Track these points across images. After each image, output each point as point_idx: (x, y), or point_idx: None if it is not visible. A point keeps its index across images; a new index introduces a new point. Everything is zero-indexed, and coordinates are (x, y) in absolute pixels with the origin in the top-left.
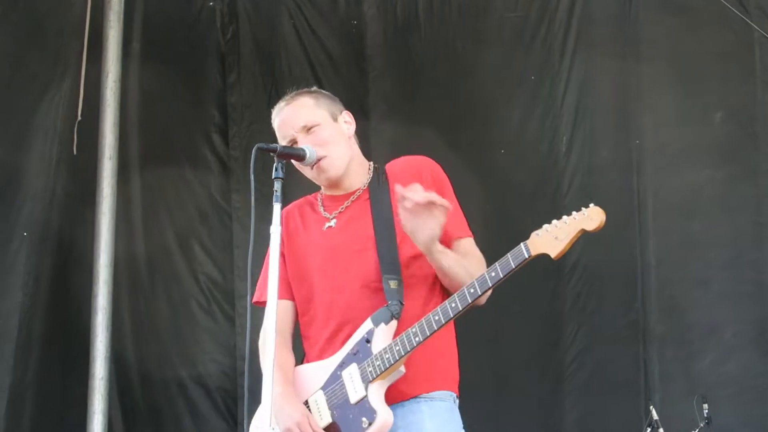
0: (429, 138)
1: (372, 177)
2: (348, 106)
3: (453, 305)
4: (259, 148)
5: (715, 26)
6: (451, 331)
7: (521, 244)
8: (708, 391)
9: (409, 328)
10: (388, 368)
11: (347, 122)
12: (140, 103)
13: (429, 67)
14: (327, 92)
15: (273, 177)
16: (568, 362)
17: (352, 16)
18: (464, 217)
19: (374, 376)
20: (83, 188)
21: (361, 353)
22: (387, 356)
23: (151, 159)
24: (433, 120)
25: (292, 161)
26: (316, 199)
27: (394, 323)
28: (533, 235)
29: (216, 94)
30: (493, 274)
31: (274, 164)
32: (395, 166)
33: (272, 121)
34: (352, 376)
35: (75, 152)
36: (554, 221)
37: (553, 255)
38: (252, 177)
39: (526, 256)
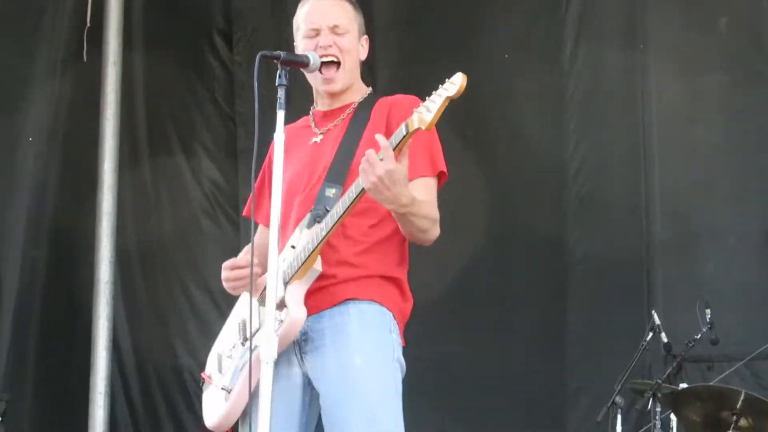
0: None
1: (364, 98)
2: None
3: (351, 194)
4: (262, 56)
5: None
6: (397, 254)
7: (404, 122)
8: (711, 296)
9: (319, 224)
10: (301, 266)
11: (363, 47)
12: (145, 5)
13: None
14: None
15: (276, 84)
16: (573, 266)
17: None
18: (433, 154)
19: (290, 275)
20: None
21: (286, 257)
22: (301, 255)
23: (154, 64)
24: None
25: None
26: (309, 119)
27: (316, 227)
28: (415, 112)
29: None
30: (385, 143)
31: (278, 71)
32: (383, 99)
33: (301, 5)
34: (276, 278)
35: (85, 59)
36: (428, 98)
37: (423, 127)
38: (256, 85)
39: (405, 133)
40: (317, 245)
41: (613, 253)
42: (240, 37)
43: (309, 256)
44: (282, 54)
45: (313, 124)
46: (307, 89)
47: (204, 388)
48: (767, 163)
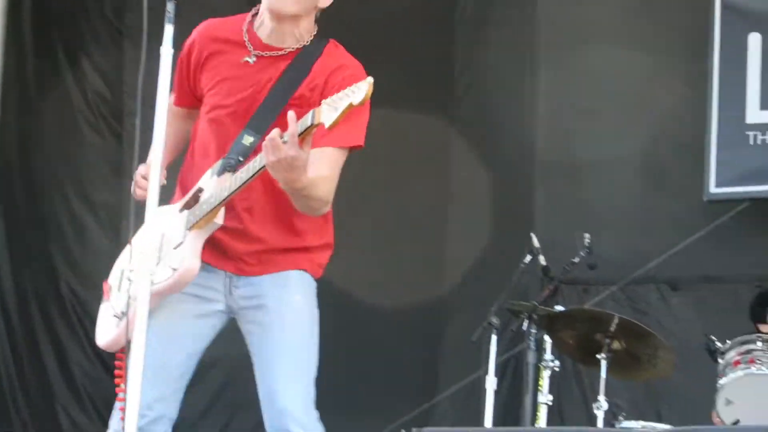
0: None
1: (308, 45)
2: None
3: (255, 164)
4: None
5: None
6: (324, 222)
7: (313, 110)
8: (590, 221)
9: (248, 165)
10: (204, 216)
11: None
12: None
13: None
14: None
15: None
16: (455, 187)
17: None
18: (355, 126)
19: (192, 223)
20: None
21: (192, 201)
22: (205, 205)
23: None
24: None
25: None
26: (242, 26)
27: (226, 176)
28: (323, 104)
29: None
30: (293, 129)
31: None
32: (331, 53)
33: None
34: (179, 222)
35: None
36: (336, 94)
37: (327, 125)
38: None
39: (309, 123)
40: (221, 201)
41: (497, 174)
42: None
43: (213, 208)
44: None
45: (246, 40)
46: (200, 6)
47: (102, 301)
48: (653, 91)
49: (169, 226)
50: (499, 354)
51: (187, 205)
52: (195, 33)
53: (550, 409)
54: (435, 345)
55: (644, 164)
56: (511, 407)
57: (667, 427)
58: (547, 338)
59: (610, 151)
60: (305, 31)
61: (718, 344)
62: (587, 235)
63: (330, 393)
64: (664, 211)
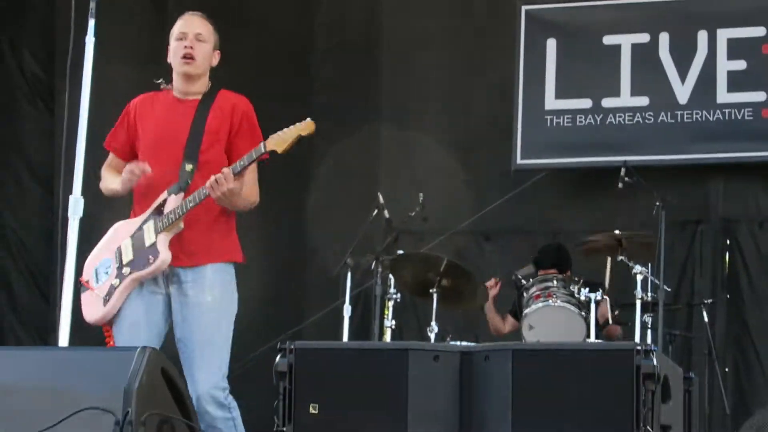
0: None
1: (207, 91)
2: None
3: (201, 193)
4: None
5: None
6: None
7: (262, 142)
8: (424, 186)
9: (188, 197)
10: (171, 224)
11: (215, 57)
12: None
13: None
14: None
15: None
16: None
17: None
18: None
19: (161, 228)
20: None
21: (157, 213)
22: (171, 216)
23: None
24: None
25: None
26: (166, 94)
27: (181, 195)
28: (270, 137)
29: None
30: (242, 162)
31: None
32: (222, 96)
33: (178, 20)
34: (149, 227)
35: None
36: (285, 129)
37: (279, 150)
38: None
39: (263, 151)
40: (182, 215)
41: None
42: None
43: (177, 219)
44: None
45: (163, 94)
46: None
47: (83, 290)
48: (473, 84)
49: (135, 233)
50: (352, 288)
51: (152, 217)
52: (133, 101)
53: (393, 332)
54: (301, 280)
55: (465, 142)
56: (362, 330)
57: (487, 344)
58: (390, 276)
59: (438, 130)
60: (204, 84)
61: (523, 281)
62: (421, 195)
63: None
64: (481, 178)
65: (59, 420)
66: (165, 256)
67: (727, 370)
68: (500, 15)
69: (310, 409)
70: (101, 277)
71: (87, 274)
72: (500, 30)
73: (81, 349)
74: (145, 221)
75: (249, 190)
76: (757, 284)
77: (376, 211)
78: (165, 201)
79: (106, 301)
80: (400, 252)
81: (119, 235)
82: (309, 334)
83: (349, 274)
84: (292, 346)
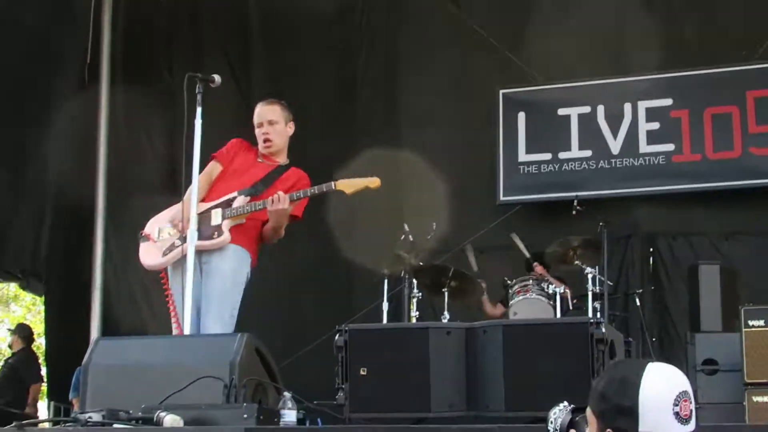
0: None
1: (286, 163)
2: None
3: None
4: (190, 77)
5: None
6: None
7: (332, 182)
8: (436, 217)
9: (256, 202)
10: (236, 215)
11: (290, 127)
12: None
13: None
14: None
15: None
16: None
17: None
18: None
19: (228, 216)
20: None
21: (225, 205)
22: (240, 209)
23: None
24: None
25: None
26: (256, 149)
27: (248, 198)
28: (341, 180)
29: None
30: (298, 194)
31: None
32: (292, 170)
33: (257, 107)
34: (217, 213)
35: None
36: (357, 178)
37: (347, 192)
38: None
39: (333, 188)
40: (244, 213)
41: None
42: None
43: (243, 213)
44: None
45: (259, 155)
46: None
47: (142, 240)
48: (467, 146)
49: (203, 212)
50: (389, 290)
51: (221, 206)
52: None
53: (417, 320)
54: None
55: (465, 185)
56: (395, 319)
57: (484, 321)
58: (414, 281)
59: (446, 177)
60: (284, 154)
61: (509, 282)
62: (434, 223)
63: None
64: (476, 210)
65: (185, 386)
66: (227, 236)
67: (653, 339)
68: (486, 96)
69: (361, 371)
70: (163, 234)
71: (149, 229)
72: (486, 106)
73: (198, 336)
74: (214, 207)
75: (282, 219)
76: (672, 278)
77: (403, 236)
78: (234, 198)
79: (165, 253)
80: (421, 263)
81: (185, 211)
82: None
83: (386, 281)
84: (346, 328)
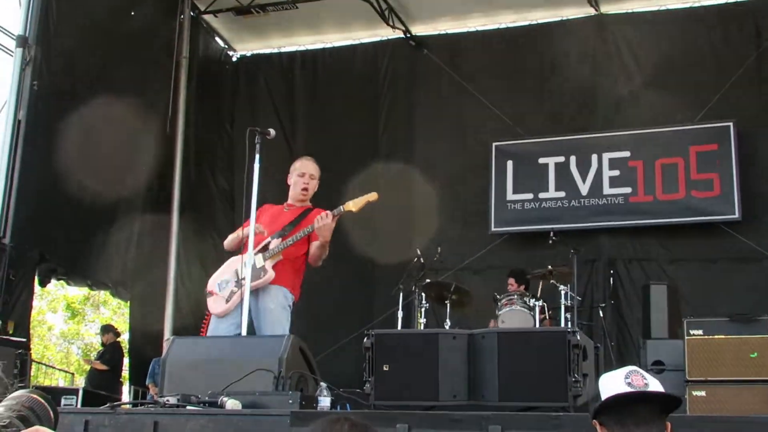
0: None
1: (311, 208)
2: None
3: (304, 231)
4: (251, 131)
5: None
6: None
7: (341, 206)
8: (439, 242)
9: (304, 228)
10: (272, 255)
11: (318, 182)
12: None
13: None
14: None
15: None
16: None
17: None
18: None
19: (268, 257)
20: None
21: (263, 249)
22: (275, 250)
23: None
24: None
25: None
26: (282, 206)
27: (280, 239)
28: (348, 202)
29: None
30: (331, 213)
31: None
32: (315, 211)
33: (298, 161)
34: (259, 257)
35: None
36: (359, 197)
37: (354, 209)
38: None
39: (342, 210)
40: (282, 249)
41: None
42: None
43: (279, 251)
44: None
45: (285, 206)
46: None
47: (208, 296)
48: (474, 179)
49: (248, 261)
50: (402, 301)
51: (261, 251)
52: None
53: (424, 326)
54: (371, 296)
55: (464, 218)
56: (407, 325)
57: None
58: (422, 294)
59: (450, 214)
60: (308, 200)
61: (498, 296)
62: (439, 248)
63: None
64: (473, 238)
65: (243, 376)
66: (271, 273)
67: (613, 344)
68: (482, 147)
69: (384, 367)
70: (222, 287)
71: (211, 286)
72: (482, 155)
73: (254, 336)
74: (258, 251)
75: (328, 232)
76: (628, 295)
77: (416, 259)
78: (269, 243)
79: (227, 300)
80: (428, 280)
81: (233, 264)
82: (378, 327)
83: (401, 294)
84: (372, 333)
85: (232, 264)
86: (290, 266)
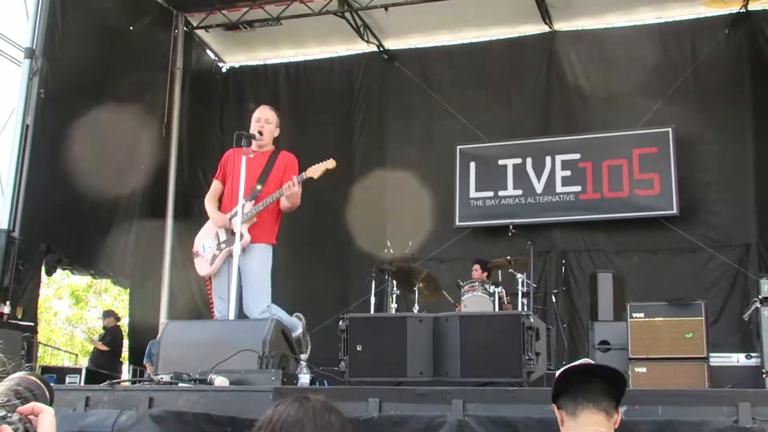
0: None
1: (274, 150)
2: None
3: (275, 195)
4: (239, 134)
5: None
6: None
7: (304, 172)
8: (411, 236)
9: (259, 203)
10: (247, 219)
11: (277, 130)
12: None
13: None
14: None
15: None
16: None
17: None
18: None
19: (243, 221)
20: None
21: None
22: (249, 214)
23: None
24: None
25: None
26: (243, 150)
27: (252, 202)
28: (308, 169)
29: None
30: (297, 178)
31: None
32: (282, 154)
33: (256, 110)
34: (237, 220)
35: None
36: (318, 164)
37: (315, 176)
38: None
39: (305, 177)
40: (256, 213)
41: (369, 209)
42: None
43: (252, 216)
44: (244, 133)
45: (247, 151)
46: None
47: (195, 257)
48: (440, 179)
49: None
50: (375, 287)
51: (235, 214)
52: (226, 153)
53: (396, 310)
54: (348, 285)
55: (432, 213)
56: (379, 310)
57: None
58: (393, 281)
59: (420, 207)
60: (269, 145)
61: (461, 283)
62: (411, 241)
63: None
64: (440, 231)
65: (230, 356)
66: (247, 237)
67: (564, 325)
68: (447, 151)
69: (357, 347)
70: (206, 249)
71: (197, 246)
72: (447, 157)
73: (240, 320)
74: (231, 217)
75: (297, 198)
76: (578, 282)
77: (386, 249)
78: (243, 205)
79: (211, 263)
80: (400, 265)
81: (213, 227)
82: (353, 311)
83: (373, 282)
84: (347, 317)
85: (212, 227)
86: (264, 222)
